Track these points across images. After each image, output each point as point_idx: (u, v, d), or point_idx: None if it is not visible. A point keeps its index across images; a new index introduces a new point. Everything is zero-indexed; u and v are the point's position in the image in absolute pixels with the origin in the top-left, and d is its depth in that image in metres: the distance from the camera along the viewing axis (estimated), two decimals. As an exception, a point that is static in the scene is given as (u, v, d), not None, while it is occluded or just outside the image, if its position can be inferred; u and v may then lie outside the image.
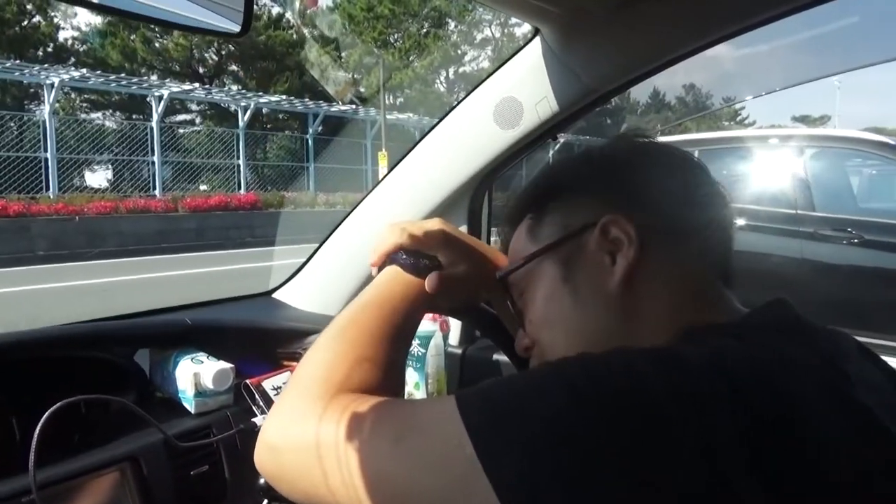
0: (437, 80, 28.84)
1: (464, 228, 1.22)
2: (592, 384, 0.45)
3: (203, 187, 15.47)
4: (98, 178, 15.43)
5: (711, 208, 0.66)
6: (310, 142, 17.46)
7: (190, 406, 0.94)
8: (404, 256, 0.72)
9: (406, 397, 0.98)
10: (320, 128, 17.65)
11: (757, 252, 4.26)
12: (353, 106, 18.70)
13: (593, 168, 0.68)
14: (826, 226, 4.15)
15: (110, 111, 20.84)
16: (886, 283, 3.96)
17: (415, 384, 1.17)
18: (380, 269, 0.74)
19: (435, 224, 0.76)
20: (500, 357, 1.22)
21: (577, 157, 0.71)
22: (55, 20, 20.38)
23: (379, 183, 1.28)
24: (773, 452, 0.42)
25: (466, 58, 29.19)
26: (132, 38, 20.46)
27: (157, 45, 21.15)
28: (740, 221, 4.31)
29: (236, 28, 0.65)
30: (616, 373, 0.46)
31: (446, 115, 1.18)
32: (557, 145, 1.21)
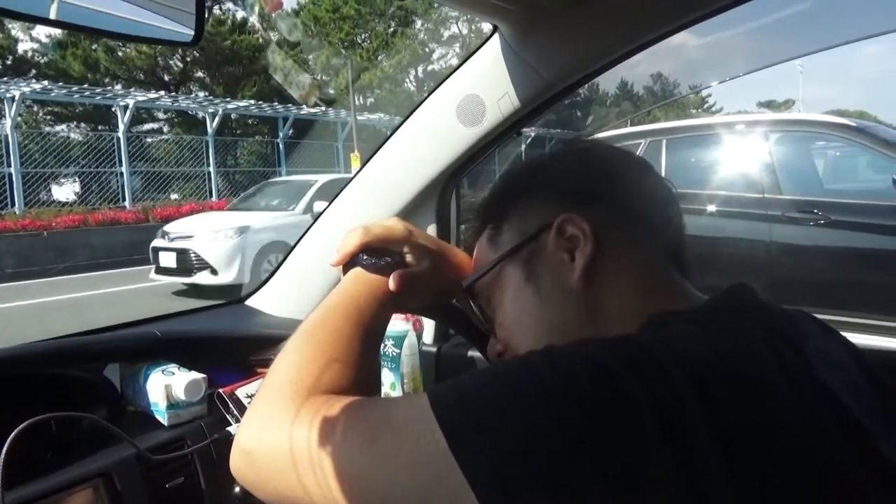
0: (407, 79, 28.78)
1: (432, 227, 1.22)
2: (557, 375, 0.46)
3: (174, 196, 15.26)
4: (65, 191, 15.09)
5: (660, 200, 0.69)
6: (281, 146, 17.33)
7: (163, 418, 0.93)
8: (365, 257, 0.73)
9: (381, 398, 0.99)
10: (291, 131, 17.51)
11: (727, 237, 4.33)
12: (323, 108, 18.58)
13: (545, 173, 0.71)
14: (793, 208, 4.23)
15: (75, 123, 20.41)
16: (852, 261, 4.05)
17: (391, 384, 1.17)
18: (345, 271, 0.74)
19: (398, 223, 0.77)
20: (476, 354, 1.23)
21: (529, 163, 0.73)
22: (13, 33, 19.93)
23: (346, 186, 1.28)
24: (738, 438, 0.43)
25: (435, 55, 29.19)
26: (94, 48, 20.06)
27: (120, 54, 20.75)
28: (710, 207, 4.39)
29: (188, 36, 0.65)
30: (580, 362, 0.47)
31: (410, 114, 1.18)
32: (529, 139, 1.23)
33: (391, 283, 0.72)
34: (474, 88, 1.08)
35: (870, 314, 3.68)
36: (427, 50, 28.59)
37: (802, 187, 4.49)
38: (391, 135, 1.21)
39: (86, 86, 15.13)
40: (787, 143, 4.60)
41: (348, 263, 0.75)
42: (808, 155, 4.87)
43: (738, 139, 4.72)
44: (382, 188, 1.22)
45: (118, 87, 19.27)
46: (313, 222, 1.32)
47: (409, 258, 0.75)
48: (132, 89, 17.24)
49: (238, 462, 0.59)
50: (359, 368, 0.63)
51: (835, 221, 4.08)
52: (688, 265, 0.68)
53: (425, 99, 1.15)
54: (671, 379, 0.44)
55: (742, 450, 0.42)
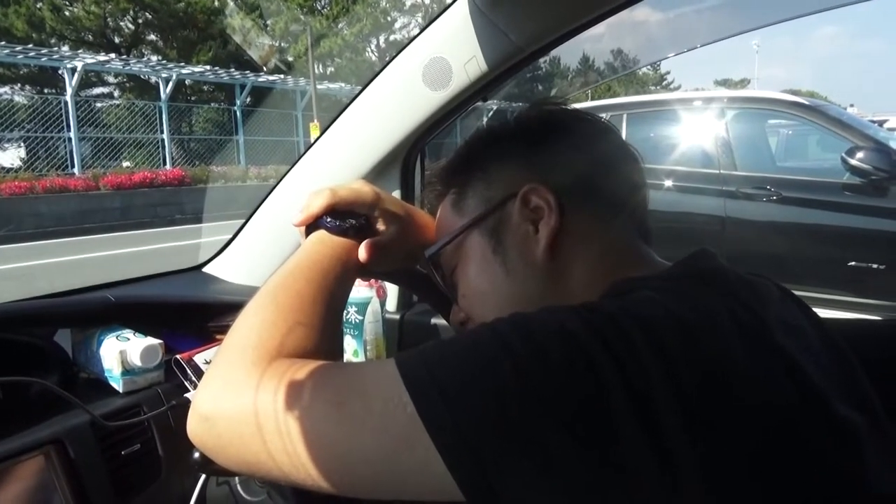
0: (368, 49, 28.28)
1: (396, 194, 1.21)
2: (525, 341, 0.46)
3: (126, 164, 14.76)
4: (9, 156, 14.46)
5: (625, 170, 0.69)
6: (238, 114, 16.89)
7: (117, 385, 0.91)
8: (329, 220, 0.71)
9: (344, 364, 0.98)
10: (249, 99, 17.07)
11: (683, 212, 4.41)
12: (282, 75, 18.13)
13: (511, 138, 0.70)
14: (747, 184, 4.33)
15: (19, 85, 19.50)
16: (803, 237, 4.18)
17: (353, 351, 1.16)
18: (307, 233, 0.73)
19: (365, 185, 0.75)
20: (439, 321, 1.23)
21: (494, 127, 0.72)
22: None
23: (307, 150, 1.25)
24: (699, 402, 0.43)
25: (397, 25, 28.70)
26: (38, 6, 19.12)
27: (67, 13, 19.83)
28: (668, 182, 4.46)
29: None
30: (549, 330, 0.47)
31: (374, 77, 1.15)
32: (491, 112, 1.22)
33: (360, 253, 0.70)
34: (441, 51, 1.05)
35: (816, 288, 3.83)
36: (389, 19, 28.11)
37: (757, 164, 4.60)
38: (355, 97, 1.17)
39: (30, 46, 14.39)
40: (744, 120, 4.69)
41: (310, 226, 0.73)
42: (763, 132, 4.98)
43: (697, 115, 4.79)
44: (345, 152, 1.19)
45: (65, 48, 18.39)
46: (273, 187, 1.28)
47: (376, 222, 0.74)
48: (80, 51, 16.46)
49: (196, 427, 0.57)
50: (322, 332, 0.62)
51: (786, 198, 4.19)
52: (650, 233, 0.69)
53: (391, 61, 1.13)
54: (636, 348, 0.45)
55: (703, 414, 0.43)
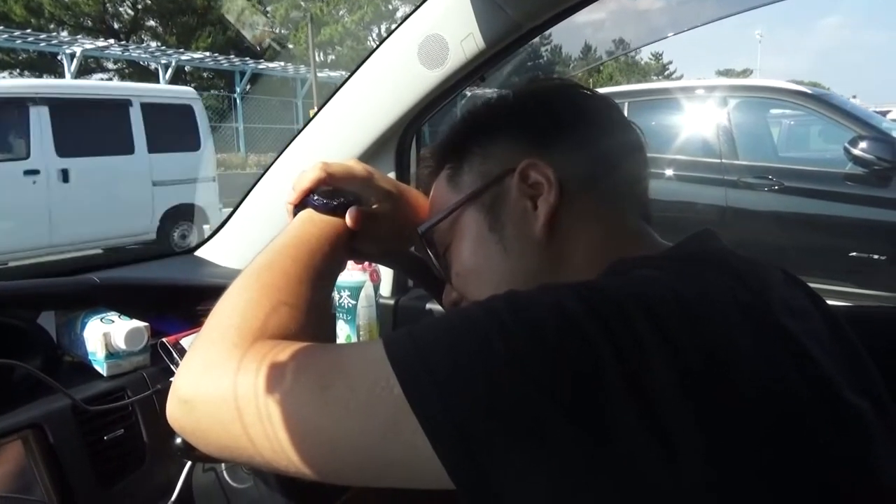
0: (370, 37, 28.15)
1: (391, 176, 1.18)
2: (520, 320, 0.44)
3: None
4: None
5: (628, 147, 0.66)
6: (238, 101, 16.80)
7: (101, 368, 0.88)
8: (316, 198, 0.69)
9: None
10: (248, 86, 16.98)
11: (684, 201, 4.39)
12: (282, 63, 18.03)
13: (510, 111, 0.67)
14: (749, 174, 4.31)
15: (18, 70, 19.39)
16: (804, 227, 4.16)
17: (346, 336, 1.14)
18: (294, 213, 0.70)
19: (357, 163, 0.73)
20: (435, 306, 1.20)
21: (493, 100, 0.69)
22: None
23: (300, 132, 1.22)
24: (700, 385, 0.41)
25: (398, 14, 28.54)
26: (37, -10, 19.00)
27: (65, -2, 19.72)
28: (669, 172, 4.43)
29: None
30: (544, 309, 0.45)
31: (369, 56, 1.12)
32: (464, 98, 1.19)
33: (348, 219, 0.68)
34: (437, 28, 1.02)
35: (816, 278, 3.81)
36: (391, 7, 27.95)
37: (759, 154, 4.57)
38: (348, 77, 1.14)
39: (29, 31, 14.28)
40: (746, 109, 4.66)
41: (298, 205, 0.70)
42: (765, 122, 4.95)
43: (699, 104, 4.75)
44: (339, 133, 1.17)
45: (64, 33, 18.27)
46: (265, 171, 1.26)
47: (367, 201, 0.71)
48: (79, 37, 16.35)
49: (176, 411, 0.55)
50: (308, 313, 0.60)
51: (787, 188, 4.17)
52: (650, 213, 0.66)
53: (385, 39, 1.09)
54: (635, 327, 0.43)
55: (704, 395, 0.41)
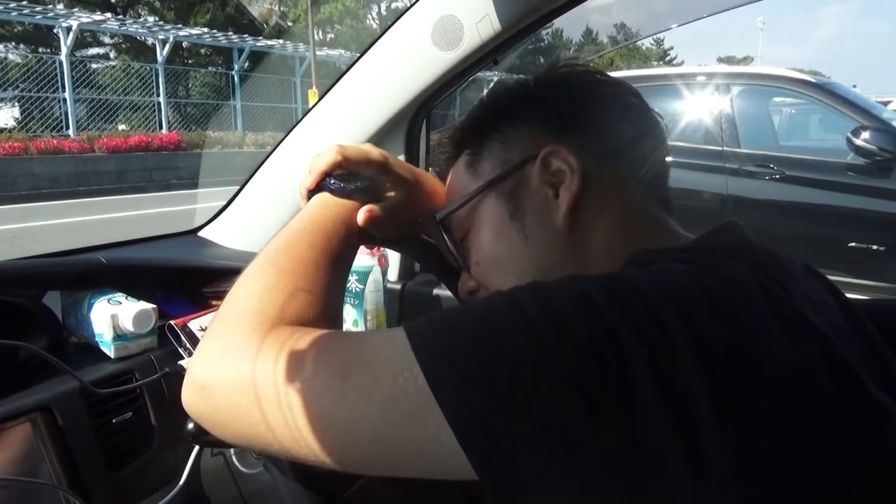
0: (370, 16, 27.87)
1: (401, 159, 1.16)
2: (545, 312, 0.43)
3: (121, 126, 14.56)
4: (3, 116, 14.19)
5: (649, 135, 0.65)
6: (236, 78, 16.65)
7: (108, 350, 0.87)
8: (333, 181, 0.67)
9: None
10: (246, 64, 16.81)
11: (684, 188, 4.37)
12: (281, 41, 17.84)
13: (531, 97, 0.66)
14: (750, 162, 4.29)
15: (13, 43, 19.11)
16: (804, 216, 4.15)
17: (353, 321, 1.13)
18: (309, 196, 0.69)
19: (373, 148, 0.71)
20: (441, 291, 1.19)
21: (513, 86, 0.68)
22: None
23: (307, 113, 1.20)
24: (728, 376, 0.41)
25: (399, -8, 28.21)
26: (32, -38, 18.69)
27: (61, -30, 19.42)
28: (668, 158, 4.39)
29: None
30: (567, 299, 0.44)
31: (380, 36, 1.10)
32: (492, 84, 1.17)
33: (359, 217, 0.67)
34: (452, 8, 1.00)
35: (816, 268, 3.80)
36: (391, -15, 27.65)
37: (760, 142, 4.55)
38: (359, 57, 1.12)
39: (24, 2, 14.07)
40: (748, 96, 4.62)
41: (312, 189, 0.69)
42: (767, 110, 4.92)
43: (701, 91, 4.72)
44: (348, 115, 1.15)
45: (60, 6, 18.00)
46: (272, 151, 1.24)
47: (382, 186, 0.70)
48: (76, 10, 16.10)
49: (192, 397, 0.54)
50: (326, 299, 0.59)
51: (788, 176, 4.15)
52: (671, 204, 0.66)
53: (398, 18, 1.07)
54: (662, 320, 0.42)
55: (733, 391, 0.40)
